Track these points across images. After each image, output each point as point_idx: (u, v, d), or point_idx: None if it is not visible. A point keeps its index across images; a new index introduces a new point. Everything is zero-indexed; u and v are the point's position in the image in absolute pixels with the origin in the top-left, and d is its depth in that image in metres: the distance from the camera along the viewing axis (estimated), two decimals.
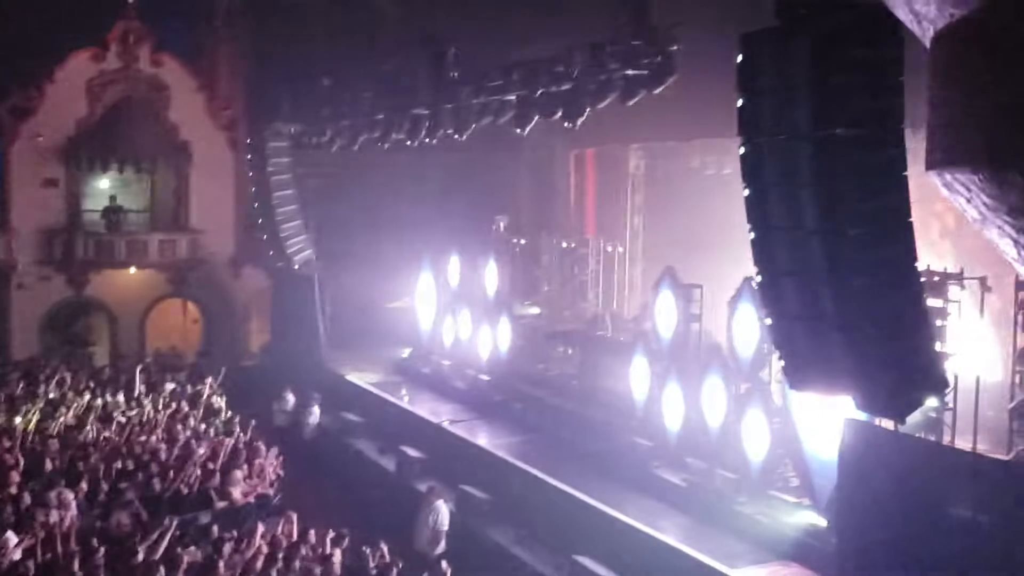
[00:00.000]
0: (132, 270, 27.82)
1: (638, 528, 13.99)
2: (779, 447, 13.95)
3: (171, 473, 14.91)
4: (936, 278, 12.45)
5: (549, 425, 18.70)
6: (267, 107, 25.93)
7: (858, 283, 8.35)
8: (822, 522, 12.93)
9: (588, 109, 15.57)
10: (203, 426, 18.02)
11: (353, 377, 24.13)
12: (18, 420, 17.17)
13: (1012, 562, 9.60)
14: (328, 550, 12.38)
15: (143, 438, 16.57)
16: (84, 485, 14.08)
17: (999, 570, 9.72)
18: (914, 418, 10.18)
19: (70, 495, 13.50)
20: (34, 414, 17.49)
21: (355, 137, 22.62)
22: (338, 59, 24.24)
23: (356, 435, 21.09)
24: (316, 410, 21.87)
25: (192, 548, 12.01)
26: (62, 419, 17.28)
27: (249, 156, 26.44)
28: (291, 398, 22.17)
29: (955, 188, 4.51)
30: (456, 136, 18.93)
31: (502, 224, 24.92)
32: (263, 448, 16.95)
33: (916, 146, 9.08)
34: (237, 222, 28.98)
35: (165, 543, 11.70)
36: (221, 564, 11.46)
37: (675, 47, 14.41)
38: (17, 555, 11.33)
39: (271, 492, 15.71)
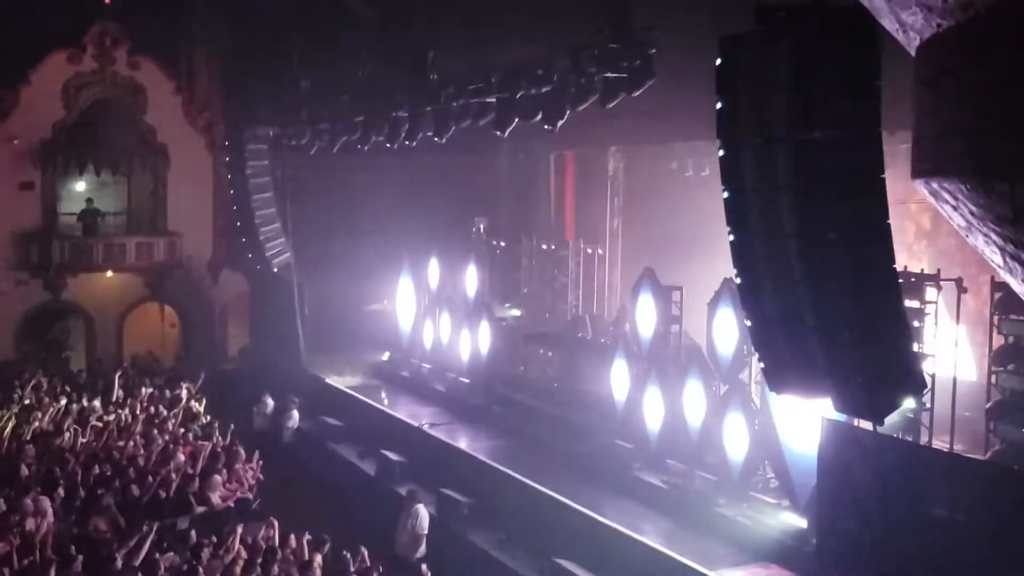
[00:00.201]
0: (109, 274, 27.64)
1: (619, 530, 14.02)
2: (759, 449, 14.01)
3: (149, 478, 14.81)
4: (913, 279, 12.55)
5: (529, 428, 18.71)
6: (245, 110, 25.86)
7: (836, 285, 8.38)
8: (802, 523, 12.99)
9: (568, 112, 15.59)
10: (182, 431, 17.93)
11: (333, 380, 24.07)
12: None
13: (989, 561, 9.68)
14: (308, 555, 12.34)
15: (121, 443, 16.47)
16: (61, 491, 13.97)
17: (976, 569, 9.80)
18: (892, 419, 10.22)
19: (46, 501, 13.38)
20: (9, 419, 17.34)
21: (334, 140, 22.57)
22: (317, 61, 24.19)
23: (336, 439, 21.04)
24: (295, 414, 21.82)
25: (170, 554, 11.96)
26: (38, 424, 17.16)
27: (227, 159, 26.35)
28: (270, 402, 22.10)
29: (941, 196, 4.54)
30: (436, 139, 18.91)
31: (482, 227, 24.93)
32: (242, 452, 16.89)
33: (892, 149, 9.15)
34: (215, 225, 28.85)
35: (145, 549, 11.62)
36: (200, 569, 11.41)
37: (653, 50, 14.46)
38: None
39: (250, 497, 15.65)
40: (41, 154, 26.78)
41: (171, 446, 16.46)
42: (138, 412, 18.50)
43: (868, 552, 10.91)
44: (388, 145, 20.50)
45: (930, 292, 12.63)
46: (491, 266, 23.96)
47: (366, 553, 12.67)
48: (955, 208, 4.49)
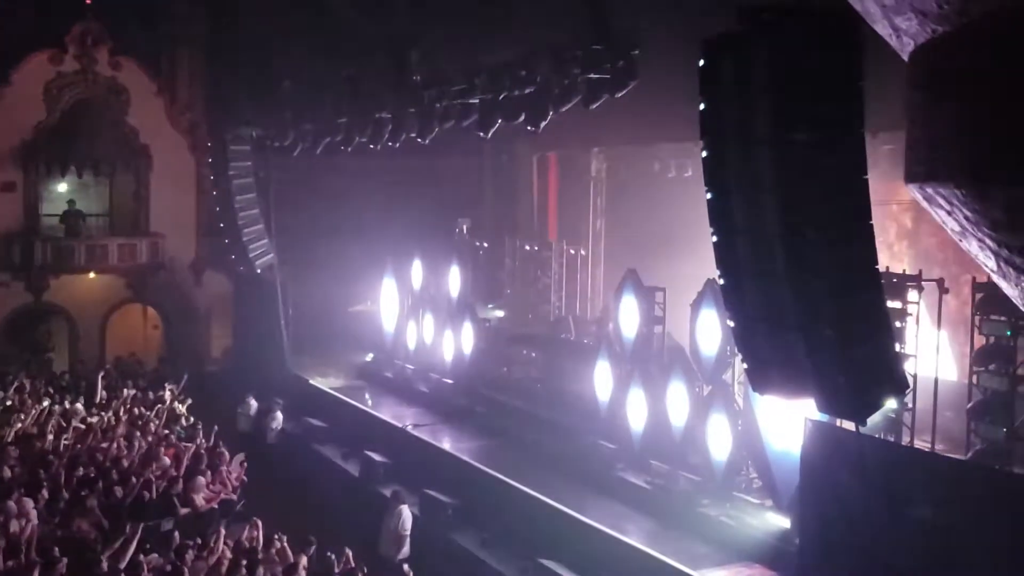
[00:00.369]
0: (92, 275, 27.50)
1: (602, 531, 14.05)
2: (742, 449, 14.06)
3: (133, 480, 14.76)
4: (895, 280, 12.63)
5: (513, 428, 18.73)
6: (228, 110, 25.77)
7: (819, 285, 8.43)
8: (785, 522, 13.05)
9: (551, 113, 15.61)
10: (165, 432, 17.87)
11: (316, 381, 24.04)
12: None
13: (970, 560, 9.74)
14: (293, 556, 12.32)
15: (104, 445, 16.39)
16: (45, 493, 13.90)
17: (958, 568, 9.86)
18: (874, 419, 10.29)
19: (30, 503, 13.32)
20: None
21: (317, 141, 22.53)
22: (300, 62, 24.14)
23: (320, 440, 21.01)
24: (279, 415, 21.77)
25: (154, 555, 11.92)
26: (20, 426, 17.06)
27: (210, 159, 26.26)
28: (254, 403, 22.04)
29: (936, 201, 4.57)
30: (419, 140, 18.91)
31: (465, 227, 24.92)
32: (226, 454, 16.85)
33: (875, 150, 9.22)
34: (198, 226, 28.75)
35: (131, 551, 11.59)
36: (185, 571, 11.38)
37: (636, 51, 14.49)
38: None
39: (235, 498, 15.62)
40: (23, 155, 26.65)
41: (155, 448, 16.40)
42: (121, 414, 18.42)
43: (851, 551, 10.96)
44: (371, 146, 20.49)
45: (911, 293, 12.72)
46: (474, 267, 23.96)
47: (350, 554, 12.66)
48: (949, 213, 4.52)
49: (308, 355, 25.50)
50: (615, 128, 19.66)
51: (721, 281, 9.19)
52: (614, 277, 18.86)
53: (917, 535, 10.26)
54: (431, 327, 22.33)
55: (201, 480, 15.27)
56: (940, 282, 13.04)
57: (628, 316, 16.58)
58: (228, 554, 12.08)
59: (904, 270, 13.49)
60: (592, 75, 14.82)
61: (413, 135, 19.09)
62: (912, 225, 17.83)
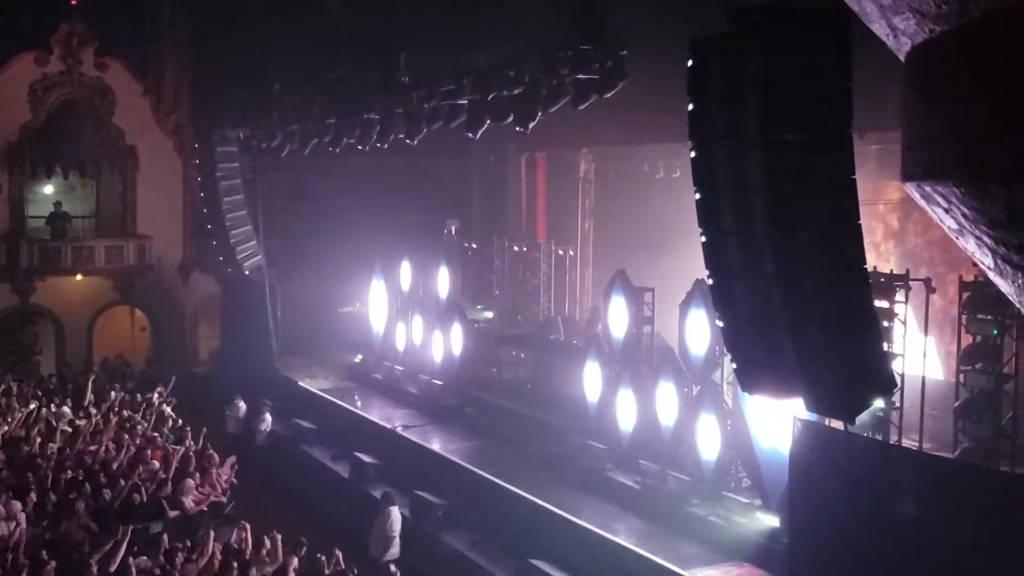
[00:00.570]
0: (78, 277, 27.44)
1: (592, 531, 14.06)
2: (731, 449, 14.09)
3: (121, 482, 14.72)
4: (882, 279, 12.68)
5: (502, 429, 18.73)
6: (215, 111, 25.71)
7: (807, 285, 8.47)
8: (774, 522, 13.08)
9: (539, 113, 15.60)
10: (153, 435, 17.81)
11: (305, 383, 23.98)
12: None
13: (958, 558, 9.79)
14: (283, 558, 12.31)
15: (92, 447, 16.35)
16: (33, 496, 13.86)
17: (946, 566, 9.90)
18: (862, 418, 10.34)
19: (18, 506, 13.28)
20: None
21: (305, 142, 22.47)
22: (288, 63, 24.09)
23: (309, 441, 20.97)
24: (268, 417, 21.73)
25: (143, 558, 11.89)
26: (7, 429, 17.00)
27: (197, 161, 26.19)
28: (242, 405, 21.99)
29: (934, 200, 4.59)
30: (407, 140, 18.89)
31: (454, 228, 24.92)
32: (215, 456, 16.81)
33: (862, 150, 9.26)
34: (185, 228, 28.70)
35: (120, 554, 11.56)
36: (175, 574, 11.36)
37: (625, 52, 14.51)
38: None
39: (224, 500, 15.59)
40: (8, 156, 26.57)
41: (143, 450, 16.36)
42: (109, 416, 18.37)
43: (839, 550, 11.00)
44: (360, 147, 20.44)
45: (899, 292, 12.77)
46: (463, 268, 23.95)
47: (340, 556, 12.64)
48: (947, 211, 4.54)
49: (297, 356, 25.46)
50: (604, 129, 19.67)
51: (710, 281, 9.23)
52: (603, 278, 18.87)
53: (905, 533, 10.31)
54: (420, 328, 22.31)
55: (190, 483, 15.24)
56: (927, 282, 13.10)
57: (617, 316, 16.60)
58: (218, 556, 12.05)
59: (891, 270, 13.53)
60: (581, 76, 14.81)
61: (401, 136, 19.06)
62: (899, 225, 17.89)
